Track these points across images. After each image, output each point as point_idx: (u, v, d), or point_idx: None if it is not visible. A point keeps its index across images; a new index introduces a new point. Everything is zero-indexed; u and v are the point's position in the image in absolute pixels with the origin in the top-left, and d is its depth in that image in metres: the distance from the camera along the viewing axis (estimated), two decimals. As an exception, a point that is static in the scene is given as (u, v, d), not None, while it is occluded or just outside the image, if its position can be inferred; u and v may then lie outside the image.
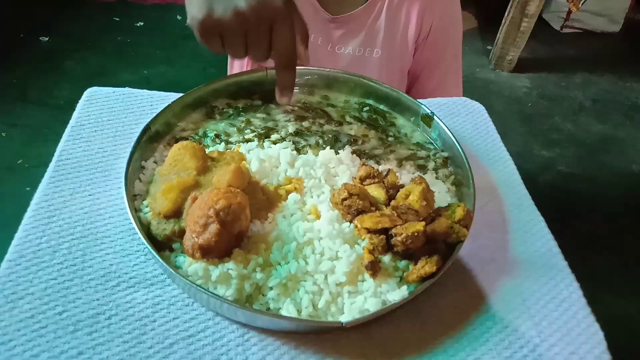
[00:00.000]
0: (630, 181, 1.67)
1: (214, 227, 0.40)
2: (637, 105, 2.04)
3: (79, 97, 0.59)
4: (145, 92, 0.61)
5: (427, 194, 0.46)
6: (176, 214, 0.43)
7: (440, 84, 0.84)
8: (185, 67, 1.87)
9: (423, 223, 0.42)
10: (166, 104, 0.54)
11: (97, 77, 1.69)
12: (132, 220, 0.41)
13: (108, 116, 0.56)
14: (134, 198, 0.46)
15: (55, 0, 2.16)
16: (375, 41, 0.78)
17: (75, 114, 0.56)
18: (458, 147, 0.53)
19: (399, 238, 0.41)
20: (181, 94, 0.56)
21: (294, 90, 0.53)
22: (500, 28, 2.08)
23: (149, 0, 2.27)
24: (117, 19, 2.15)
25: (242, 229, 0.43)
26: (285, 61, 0.47)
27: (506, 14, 2.02)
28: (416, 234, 0.41)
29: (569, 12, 2.39)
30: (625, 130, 1.89)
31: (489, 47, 2.23)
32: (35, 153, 1.52)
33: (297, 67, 0.50)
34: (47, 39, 1.99)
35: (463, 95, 0.86)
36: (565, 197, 1.54)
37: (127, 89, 0.61)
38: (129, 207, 0.42)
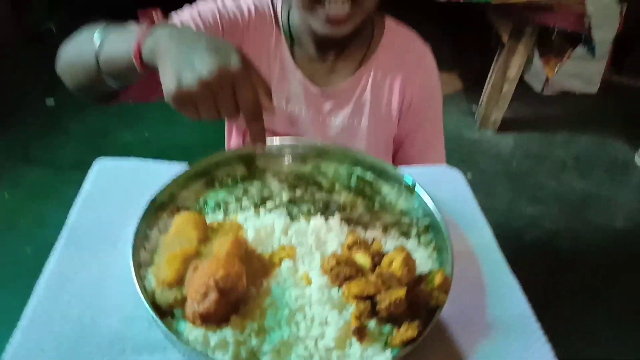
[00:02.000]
0: (612, 237, 1.73)
1: (213, 296, 0.44)
2: (616, 163, 2.13)
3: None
4: (150, 163, 0.66)
5: (409, 261, 0.50)
6: (178, 282, 0.47)
7: (423, 150, 0.91)
8: (185, 127, 1.95)
9: (405, 289, 0.46)
10: (170, 174, 0.59)
11: (99, 138, 1.76)
12: (138, 289, 0.45)
13: (116, 186, 0.61)
14: (139, 266, 0.50)
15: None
16: (362, 112, 0.85)
17: (85, 185, 0.61)
18: (438, 215, 0.58)
19: (382, 305, 0.45)
20: (184, 165, 0.62)
21: (267, 142, 0.55)
22: (484, 90, 2.21)
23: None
24: (120, 81, 2.26)
25: (239, 296, 0.46)
26: (251, 115, 0.51)
27: (488, 78, 2.16)
28: (398, 300, 0.45)
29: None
30: (607, 187, 1.97)
31: (474, 108, 2.35)
32: (37, 213, 1.56)
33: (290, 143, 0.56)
34: (51, 100, 2.08)
35: (449, 156, 0.93)
36: (551, 253, 1.58)
37: (133, 160, 0.66)
38: (135, 276, 0.46)
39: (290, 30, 0.82)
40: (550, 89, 2.62)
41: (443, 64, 2.95)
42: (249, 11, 0.81)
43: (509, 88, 2.09)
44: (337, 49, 0.82)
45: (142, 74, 0.55)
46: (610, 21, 2.43)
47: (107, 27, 0.60)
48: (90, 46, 0.60)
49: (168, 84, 0.48)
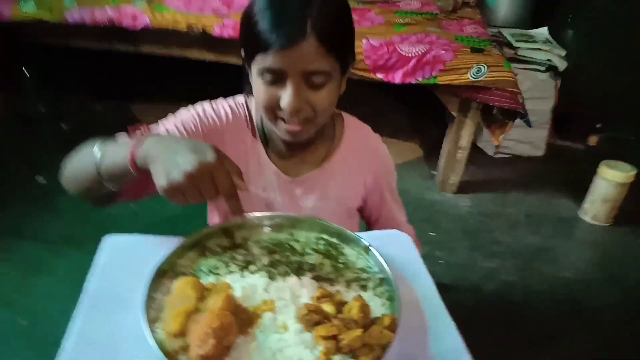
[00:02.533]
0: (559, 288, 1.89)
1: (211, 342, 0.56)
2: (563, 219, 2.34)
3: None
4: (152, 238, 0.79)
5: (364, 308, 0.64)
6: (182, 333, 0.59)
7: (389, 217, 1.10)
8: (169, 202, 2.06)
9: (361, 330, 0.59)
10: (168, 246, 0.71)
11: (89, 213, 1.83)
12: (151, 340, 0.57)
13: (123, 258, 0.74)
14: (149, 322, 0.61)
15: (52, 142, 2.40)
16: (328, 196, 0.99)
17: (96, 258, 0.73)
18: (388, 271, 0.72)
19: (344, 342, 0.58)
20: (180, 238, 0.75)
21: (244, 214, 0.72)
22: (440, 157, 2.43)
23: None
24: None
25: (231, 342, 0.59)
26: (228, 194, 0.66)
27: (443, 146, 2.39)
28: (356, 339, 0.58)
29: (497, 142, 2.81)
30: (555, 241, 2.16)
31: (434, 173, 2.57)
32: (30, 287, 1.61)
33: (268, 214, 0.75)
34: (42, 178, 2.18)
35: (412, 216, 1.15)
36: (506, 303, 1.72)
37: (137, 235, 0.79)
38: (148, 329, 0.58)
39: (263, 131, 0.96)
40: (501, 154, 2.88)
41: (404, 134, 3.24)
42: (227, 116, 0.94)
43: (462, 155, 2.32)
44: (304, 147, 0.95)
45: (136, 176, 0.70)
46: (547, 94, 2.75)
47: (104, 143, 0.75)
48: (92, 159, 0.74)
49: (160, 181, 0.64)
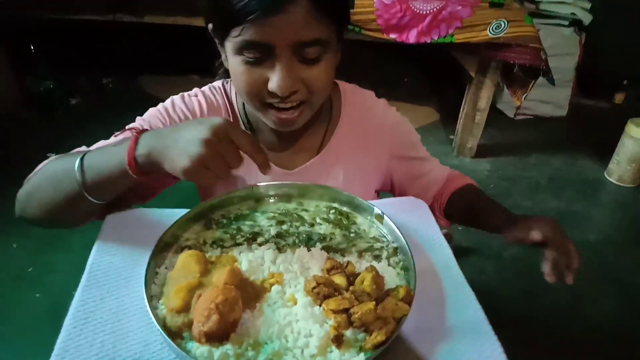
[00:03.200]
0: (586, 250, 1.83)
1: (215, 317, 0.53)
2: (587, 181, 2.26)
3: None
4: (154, 210, 0.76)
5: (377, 279, 0.60)
6: (185, 309, 0.56)
7: (430, 173, 0.93)
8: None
9: (373, 303, 0.56)
10: (172, 220, 0.68)
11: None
12: (152, 316, 0.54)
13: (126, 233, 0.71)
14: (151, 298, 0.59)
15: (62, 117, 2.40)
16: (337, 184, 0.85)
17: (100, 234, 0.71)
18: (403, 239, 0.68)
19: (356, 315, 0.55)
20: (184, 210, 0.71)
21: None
22: (458, 120, 2.35)
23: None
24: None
25: (236, 317, 0.56)
26: (252, 149, 0.57)
27: (461, 109, 2.30)
28: (368, 311, 0.54)
29: (518, 102, 2.71)
30: (579, 204, 2.09)
31: (452, 137, 2.49)
32: (45, 261, 1.63)
33: (276, 183, 0.68)
34: (53, 155, 2.17)
35: None
36: (529, 270, 1.67)
37: (139, 209, 0.76)
38: (149, 306, 0.55)
39: (247, 119, 0.83)
40: (522, 115, 2.78)
41: (420, 98, 3.15)
42: (200, 107, 0.82)
43: (481, 117, 2.23)
44: (297, 133, 0.81)
45: (136, 179, 0.62)
46: (571, 50, 2.62)
47: (86, 155, 0.64)
48: (70, 174, 0.63)
49: (181, 163, 0.56)
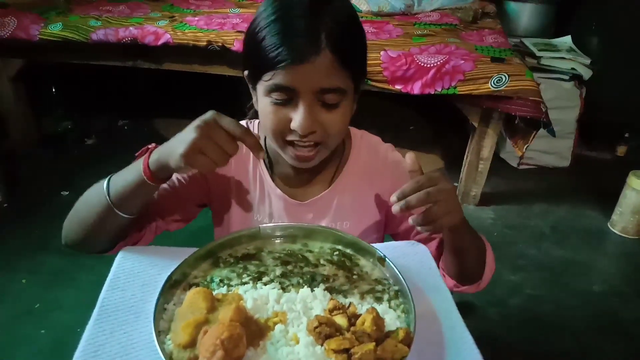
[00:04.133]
0: (591, 301, 1.81)
1: (219, 354, 0.55)
2: (591, 231, 2.26)
3: None
4: (166, 248, 0.79)
5: (378, 321, 0.62)
6: (192, 344, 0.58)
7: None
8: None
9: (373, 344, 0.57)
10: (182, 258, 0.71)
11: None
12: (159, 351, 0.56)
13: (138, 269, 0.74)
14: (159, 333, 0.61)
15: (78, 157, 2.47)
16: (344, 216, 0.92)
17: (112, 269, 0.74)
18: (404, 282, 0.70)
19: (356, 356, 0.56)
20: (194, 248, 0.75)
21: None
22: (462, 169, 2.39)
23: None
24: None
25: (240, 354, 0.57)
26: (242, 133, 0.67)
27: (465, 158, 2.35)
28: (368, 352, 0.56)
29: (521, 152, 2.75)
30: (583, 254, 2.09)
31: (455, 184, 2.52)
32: (52, 297, 1.65)
33: (282, 225, 0.77)
34: (67, 193, 2.25)
35: None
36: (533, 318, 1.66)
37: (152, 246, 0.79)
38: (157, 341, 0.57)
39: (267, 152, 0.90)
40: (525, 165, 2.81)
41: (425, 145, 3.21)
42: None
43: (484, 166, 2.27)
44: (312, 168, 0.88)
45: (153, 187, 0.73)
46: (572, 103, 2.69)
47: (112, 175, 0.76)
48: (100, 192, 0.75)
49: (178, 151, 0.66)
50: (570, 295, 1.84)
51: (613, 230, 2.27)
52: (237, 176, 0.93)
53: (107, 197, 0.74)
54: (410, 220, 0.71)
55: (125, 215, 0.76)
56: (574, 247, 2.14)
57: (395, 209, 0.69)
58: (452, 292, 0.76)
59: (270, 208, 0.92)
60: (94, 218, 0.76)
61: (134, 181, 0.72)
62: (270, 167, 0.92)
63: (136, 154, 0.83)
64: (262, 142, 0.92)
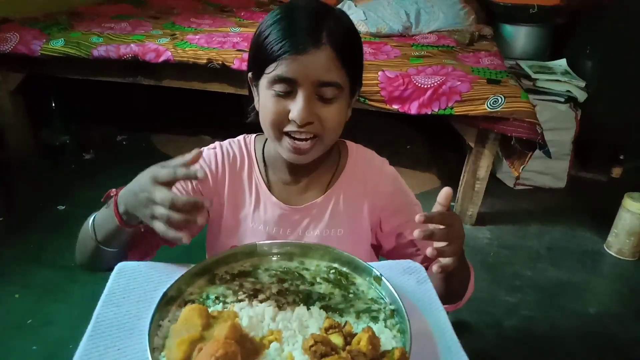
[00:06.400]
0: (587, 322, 1.80)
1: (214, 371, 0.55)
2: (587, 252, 2.26)
3: None
4: (161, 264, 0.79)
5: (374, 340, 0.61)
6: (186, 361, 0.58)
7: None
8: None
9: (369, 363, 0.57)
10: (178, 274, 0.71)
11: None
12: (153, 368, 0.56)
13: (133, 285, 0.73)
14: (153, 350, 0.60)
15: (74, 171, 2.47)
16: (337, 224, 0.94)
17: (108, 284, 0.73)
18: (400, 302, 0.70)
19: (351, 375, 0.56)
20: (190, 265, 0.75)
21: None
22: (458, 188, 2.40)
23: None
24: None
25: (235, 372, 0.57)
26: (182, 174, 0.66)
27: (461, 178, 2.36)
28: (363, 371, 0.56)
29: (517, 172, 2.77)
30: (579, 275, 2.08)
31: (452, 204, 2.53)
32: (44, 312, 1.62)
33: (279, 242, 0.78)
34: (63, 207, 2.23)
35: None
36: (529, 339, 1.65)
37: (147, 262, 0.79)
38: (151, 358, 0.57)
39: (264, 158, 0.95)
40: (521, 185, 2.83)
41: (422, 164, 3.23)
42: (216, 158, 0.94)
43: (480, 186, 2.28)
44: (307, 172, 0.93)
45: (131, 231, 0.77)
46: (567, 125, 2.72)
47: (96, 216, 0.81)
48: (88, 232, 0.80)
49: (139, 213, 0.70)
50: (566, 317, 1.83)
51: (609, 251, 2.27)
52: (232, 186, 0.95)
53: (94, 238, 0.79)
54: (428, 252, 0.70)
55: (116, 250, 0.81)
56: (570, 268, 2.14)
57: (417, 234, 0.69)
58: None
59: (264, 215, 0.94)
60: (90, 251, 0.82)
61: (111, 228, 0.76)
62: (266, 174, 0.95)
63: (102, 199, 0.85)
64: (260, 150, 0.96)
